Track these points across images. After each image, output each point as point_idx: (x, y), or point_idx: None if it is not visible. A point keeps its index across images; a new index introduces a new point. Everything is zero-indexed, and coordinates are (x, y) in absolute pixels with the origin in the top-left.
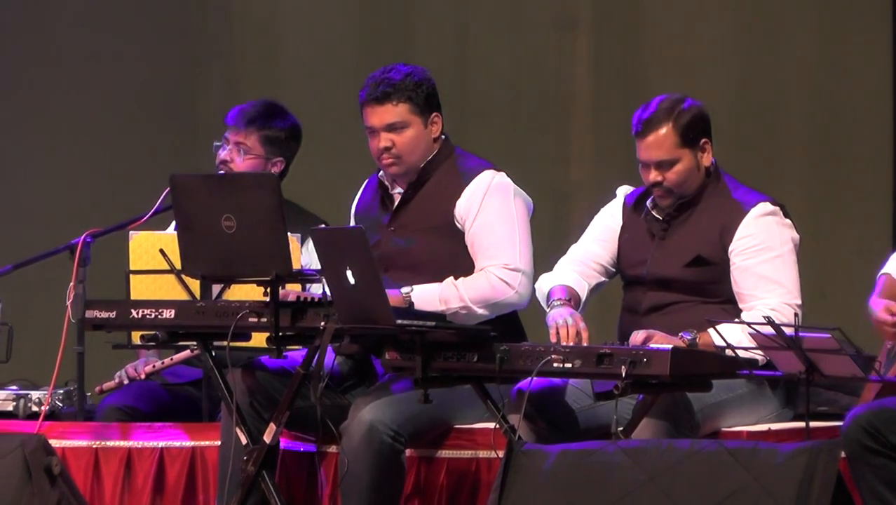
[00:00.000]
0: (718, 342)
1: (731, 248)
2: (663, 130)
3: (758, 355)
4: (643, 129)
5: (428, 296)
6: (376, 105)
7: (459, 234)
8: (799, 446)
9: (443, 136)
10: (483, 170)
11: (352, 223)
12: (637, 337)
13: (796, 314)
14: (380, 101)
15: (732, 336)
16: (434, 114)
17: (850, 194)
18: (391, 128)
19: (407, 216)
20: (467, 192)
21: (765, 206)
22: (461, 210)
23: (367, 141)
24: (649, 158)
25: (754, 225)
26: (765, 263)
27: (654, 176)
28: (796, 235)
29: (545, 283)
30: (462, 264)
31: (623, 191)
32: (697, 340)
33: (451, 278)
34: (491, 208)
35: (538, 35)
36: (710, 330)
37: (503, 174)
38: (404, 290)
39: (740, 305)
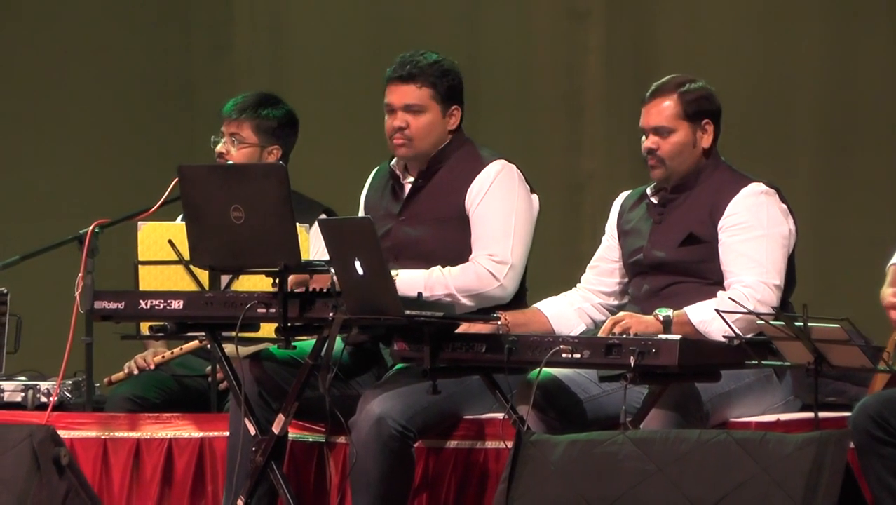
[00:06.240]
0: (695, 321)
1: (719, 224)
2: (667, 101)
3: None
4: (649, 97)
5: (413, 282)
6: (400, 83)
7: (469, 224)
8: (807, 436)
9: (460, 131)
10: (494, 160)
11: (360, 214)
12: (605, 327)
13: (771, 292)
14: (404, 80)
15: (706, 316)
16: (454, 106)
17: (859, 185)
18: (409, 108)
19: (418, 206)
20: (476, 181)
21: (757, 186)
22: (469, 199)
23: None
24: (648, 124)
25: (744, 203)
26: (748, 241)
27: (649, 142)
28: (791, 222)
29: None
30: None
31: (620, 197)
32: (672, 317)
33: (439, 266)
34: (493, 199)
35: (550, 25)
36: (686, 309)
37: (513, 167)
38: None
39: (724, 283)
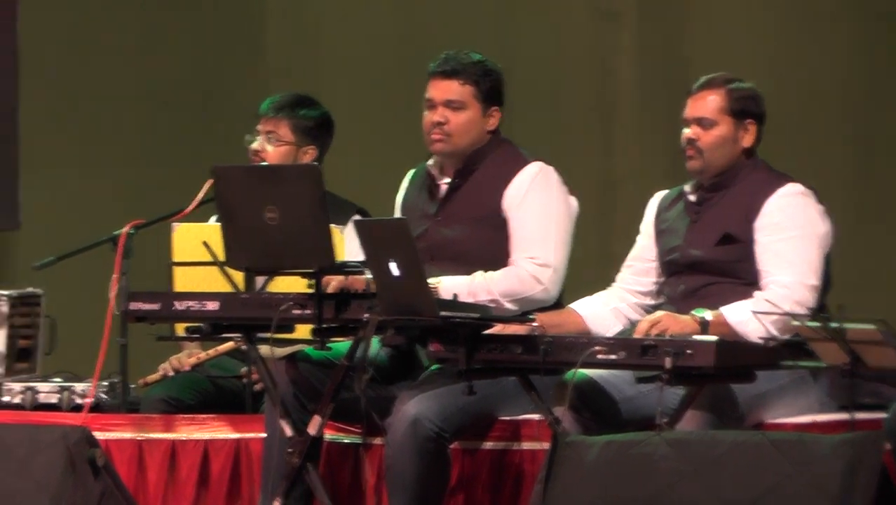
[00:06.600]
0: (732, 322)
1: (755, 225)
2: (714, 94)
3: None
4: (696, 88)
5: (456, 288)
6: (442, 79)
7: (506, 225)
8: (843, 438)
9: (497, 132)
10: (532, 161)
11: (396, 215)
12: (641, 327)
13: (808, 292)
14: (447, 75)
15: (743, 317)
16: (494, 107)
17: (889, 186)
18: (449, 104)
19: (454, 206)
20: (515, 182)
21: (794, 187)
22: (507, 201)
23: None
24: (692, 114)
25: (779, 203)
26: (784, 241)
27: (690, 132)
28: (827, 223)
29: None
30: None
31: (658, 195)
32: (709, 319)
33: (481, 271)
34: (532, 201)
35: (582, 26)
36: (723, 309)
37: (551, 168)
38: (431, 281)
39: (760, 284)
